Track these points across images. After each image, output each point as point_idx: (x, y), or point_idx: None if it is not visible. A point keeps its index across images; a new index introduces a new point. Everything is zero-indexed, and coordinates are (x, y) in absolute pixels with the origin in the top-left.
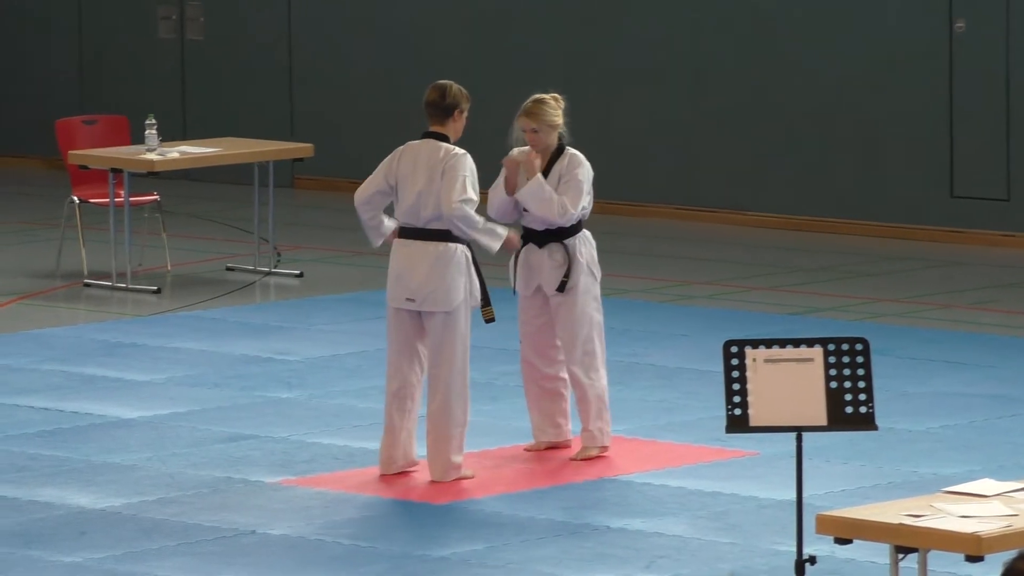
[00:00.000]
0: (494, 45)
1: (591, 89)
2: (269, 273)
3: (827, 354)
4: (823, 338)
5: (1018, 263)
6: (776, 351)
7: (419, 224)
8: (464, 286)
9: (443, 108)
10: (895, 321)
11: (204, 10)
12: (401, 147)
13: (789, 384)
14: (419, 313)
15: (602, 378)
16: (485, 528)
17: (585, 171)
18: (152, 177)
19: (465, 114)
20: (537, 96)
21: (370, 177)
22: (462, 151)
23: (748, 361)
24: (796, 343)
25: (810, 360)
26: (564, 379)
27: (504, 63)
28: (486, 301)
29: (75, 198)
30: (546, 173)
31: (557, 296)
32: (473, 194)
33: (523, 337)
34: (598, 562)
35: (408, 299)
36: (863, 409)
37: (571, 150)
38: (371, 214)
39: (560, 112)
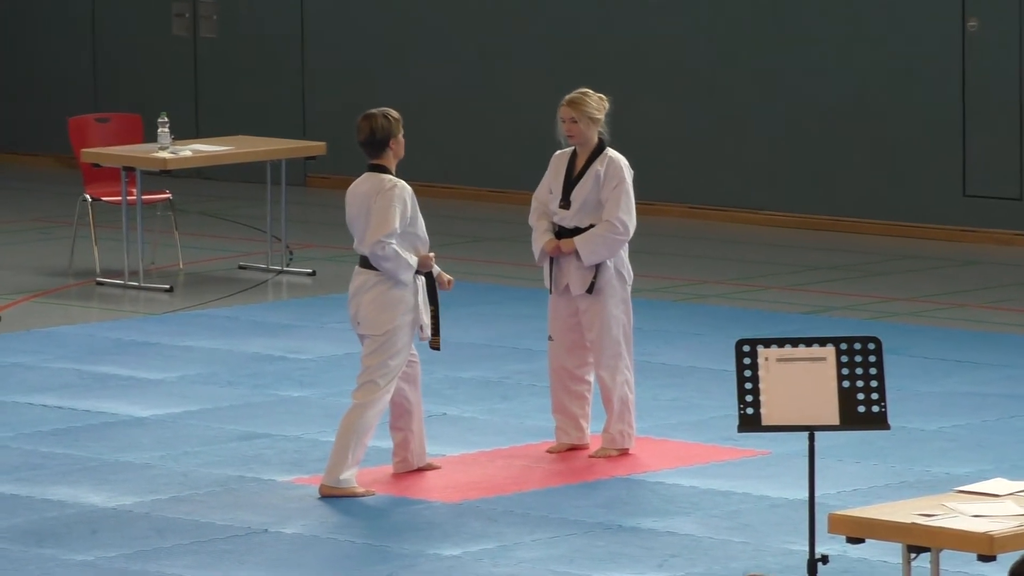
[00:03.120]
0: (507, 44)
1: (606, 87)
2: (281, 272)
3: (839, 353)
4: (835, 337)
5: None
6: (788, 350)
7: (363, 254)
8: (400, 315)
9: (376, 144)
10: (908, 320)
11: (217, 8)
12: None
13: (801, 383)
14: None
15: (628, 381)
16: (497, 527)
17: (630, 176)
18: (164, 175)
19: (400, 136)
20: (582, 89)
21: None
22: (392, 183)
23: (761, 360)
24: (808, 342)
25: (822, 359)
26: (590, 382)
27: (518, 62)
28: (435, 331)
29: (87, 196)
30: (584, 170)
31: (585, 297)
32: (396, 224)
33: (553, 335)
34: (610, 561)
35: (356, 323)
36: (875, 408)
37: (611, 151)
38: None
39: (602, 109)
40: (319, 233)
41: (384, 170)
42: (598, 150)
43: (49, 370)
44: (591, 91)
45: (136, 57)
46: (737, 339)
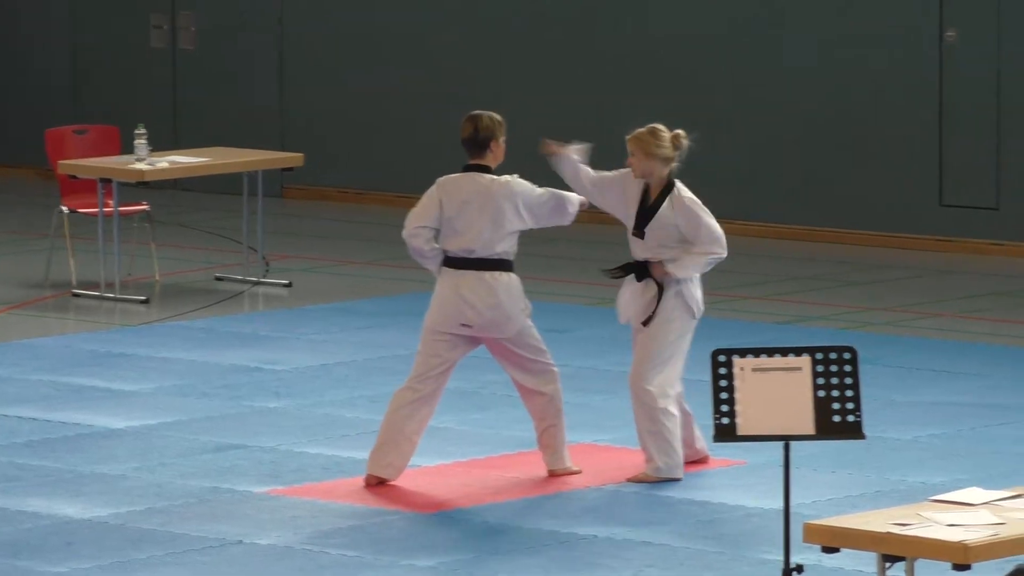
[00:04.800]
0: (486, 50)
1: (584, 96)
2: (258, 283)
3: (815, 363)
4: (811, 347)
5: (1007, 272)
6: (764, 360)
7: (472, 255)
8: (522, 309)
9: (478, 143)
10: (883, 330)
11: (196, 20)
12: (442, 180)
13: (777, 393)
14: (471, 338)
15: (659, 409)
16: (473, 537)
17: (699, 207)
18: (141, 187)
19: (502, 141)
20: (653, 125)
21: (415, 211)
22: (507, 178)
23: (736, 370)
24: (784, 352)
25: (798, 369)
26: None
27: (498, 68)
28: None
29: (64, 208)
30: (656, 204)
31: (643, 329)
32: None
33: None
34: (586, 571)
35: (463, 324)
36: (851, 418)
37: (679, 186)
38: (426, 246)
39: (667, 147)
40: (296, 244)
41: (486, 169)
42: (669, 185)
43: (25, 382)
44: (661, 128)
45: (114, 69)
46: (713, 349)
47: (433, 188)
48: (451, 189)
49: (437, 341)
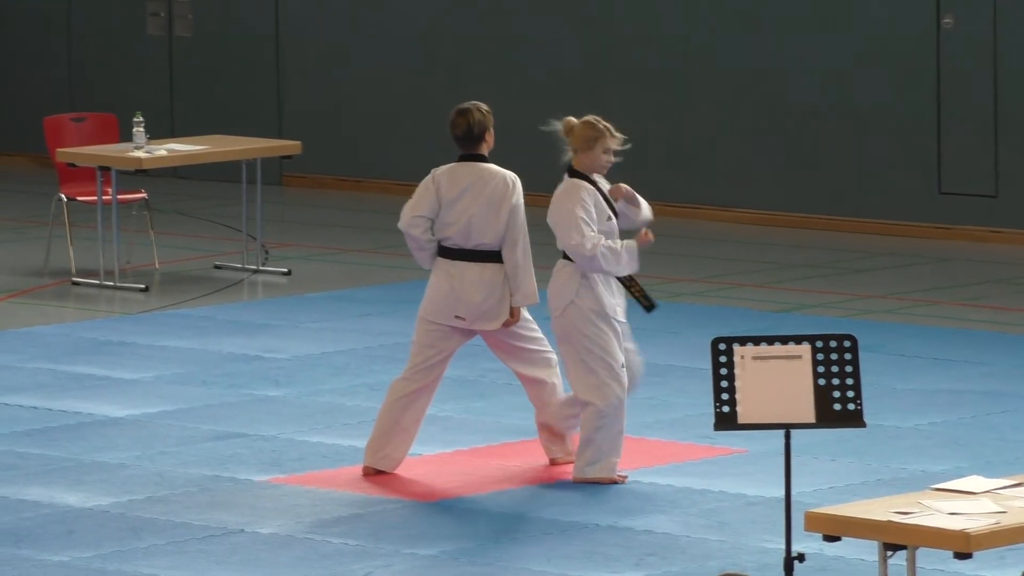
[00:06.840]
0: (482, 44)
1: (577, 87)
2: (257, 271)
3: (815, 351)
4: (811, 335)
5: (1006, 259)
6: (764, 348)
7: (467, 246)
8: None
9: (475, 138)
10: (883, 318)
11: (193, 7)
12: (438, 171)
13: (777, 381)
14: (466, 329)
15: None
16: (474, 526)
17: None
18: (140, 175)
19: (492, 129)
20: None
21: (412, 202)
22: (513, 176)
23: (736, 358)
24: (784, 340)
25: (798, 357)
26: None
27: (492, 62)
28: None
29: (63, 196)
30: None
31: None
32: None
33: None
34: (587, 560)
35: (458, 316)
36: (851, 406)
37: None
38: (423, 236)
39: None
40: (295, 232)
41: (483, 159)
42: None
43: (24, 370)
44: (578, 120)
45: (111, 57)
46: (713, 337)
47: (428, 178)
48: (447, 177)
49: (431, 331)
